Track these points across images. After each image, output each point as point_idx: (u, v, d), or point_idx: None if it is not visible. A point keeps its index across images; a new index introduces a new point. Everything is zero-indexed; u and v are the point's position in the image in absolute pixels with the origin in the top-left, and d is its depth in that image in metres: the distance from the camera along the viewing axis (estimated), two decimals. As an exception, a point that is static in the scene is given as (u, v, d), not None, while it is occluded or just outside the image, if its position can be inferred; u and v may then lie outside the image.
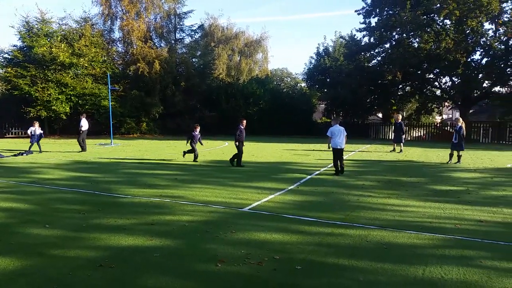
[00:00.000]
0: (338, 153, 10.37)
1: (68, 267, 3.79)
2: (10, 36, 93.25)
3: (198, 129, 13.69)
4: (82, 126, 16.90)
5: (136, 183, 8.68)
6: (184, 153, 13.69)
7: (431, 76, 30.97)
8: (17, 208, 6.20)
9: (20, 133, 29.89)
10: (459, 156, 13.33)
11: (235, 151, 12.29)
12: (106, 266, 3.83)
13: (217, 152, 16.85)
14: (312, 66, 39.76)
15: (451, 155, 13.50)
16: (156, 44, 35.05)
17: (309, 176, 10.02)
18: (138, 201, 6.85)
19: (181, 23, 36.62)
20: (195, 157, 13.34)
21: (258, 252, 4.29)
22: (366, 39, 31.63)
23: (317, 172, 10.79)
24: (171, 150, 17.71)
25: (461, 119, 13.91)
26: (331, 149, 10.49)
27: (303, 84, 45.45)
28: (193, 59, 36.78)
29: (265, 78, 39.03)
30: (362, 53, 32.71)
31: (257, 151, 16.99)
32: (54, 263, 3.90)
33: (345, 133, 10.45)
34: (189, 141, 13.43)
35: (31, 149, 15.70)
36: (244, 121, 12.79)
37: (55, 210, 6.12)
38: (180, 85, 34.28)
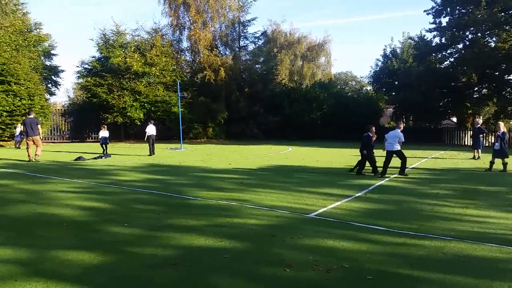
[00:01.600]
0: (385, 156, 10.93)
1: (145, 264, 4.03)
2: (90, 48, 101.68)
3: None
4: (147, 132, 18.02)
5: (204, 186, 9.00)
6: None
7: (511, 77, 28.44)
8: (98, 207, 6.73)
9: (98, 137, 32.45)
10: (504, 164, 12.04)
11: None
12: (180, 265, 4.02)
13: (281, 157, 16.91)
14: (378, 68, 38.47)
15: (492, 163, 12.26)
16: (221, 52, 36.22)
17: (378, 183, 9.67)
18: (207, 203, 7.09)
19: (244, 30, 37.54)
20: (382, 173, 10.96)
21: (326, 259, 4.23)
22: (436, 39, 29.96)
23: (387, 179, 10.38)
24: (236, 154, 18.12)
25: (502, 124, 12.64)
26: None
27: (369, 88, 44.16)
28: (257, 65, 37.46)
29: (329, 82, 38.55)
30: (433, 54, 30.97)
31: (322, 157, 16.77)
32: (133, 260, 4.17)
33: (397, 138, 10.75)
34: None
35: (107, 152, 17.13)
36: (374, 128, 11.69)
37: (132, 210, 6.55)
38: (244, 91, 35.06)
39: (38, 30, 32.31)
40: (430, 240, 4.95)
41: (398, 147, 10.86)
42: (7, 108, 24.33)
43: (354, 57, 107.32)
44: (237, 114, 34.16)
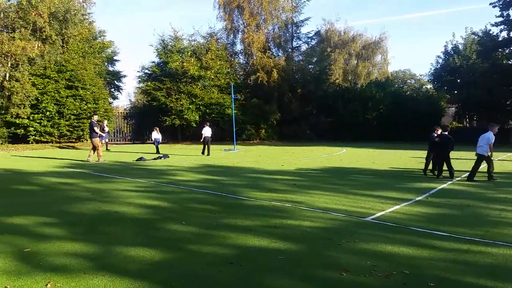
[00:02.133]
0: (476, 159, 10.30)
1: (203, 262, 4.14)
2: (150, 54, 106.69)
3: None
4: (203, 134, 18.62)
5: (257, 186, 9.08)
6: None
7: None
8: (158, 205, 7.03)
9: (151, 139, 33.80)
10: None
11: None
12: (235, 264, 4.08)
13: (335, 158, 16.60)
14: (439, 66, 36.46)
15: None
16: (274, 53, 36.30)
17: (439, 187, 9.17)
18: (260, 204, 7.14)
19: (298, 31, 37.33)
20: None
21: (384, 265, 4.08)
22: (504, 33, 27.79)
23: (450, 182, 9.82)
24: (288, 156, 18.08)
25: None
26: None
27: (429, 86, 41.99)
28: (309, 66, 37.10)
29: (385, 81, 37.21)
30: (500, 50, 28.76)
31: (379, 158, 16.23)
32: (191, 258, 4.30)
33: (485, 140, 10.07)
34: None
35: (159, 152, 18.03)
36: (439, 128, 11.25)
37: (189, 208, 6.77)
38: (297, 92, 34.87)
39: (102, 37, 34.46)
40: (497, 248, 4.61)
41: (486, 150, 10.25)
42: (75, 111, 26.25)
43: (413, 55, 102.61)
44: (290, 115, 34.06)
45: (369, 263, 4.12)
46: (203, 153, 18.32)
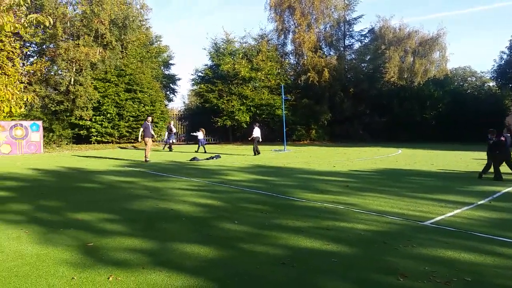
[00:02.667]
0: None
1: (255, 262, 4.18)
2: (203, 57, 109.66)
3: None
4: (253, 134, 18.89)
5: (308, 188, 8.99)
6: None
7: None
8: (211, 204, 7.20)
9: (210, 140, 34.70)
10: None
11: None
12: (287, 265, 4.08)
13: (390, 159, 16.01)
14: (503, 62, 33.89)
15: None
16: (325, 52, 35.81)
17: (504, 190, 8.54)
18: (312, 205, 7.07)
19: (350, 29, 36.56)
20: None
21: (444, 271, 3.88)
22: None
23: (516, 186, 9.10)
24: (340, 157, 17.73)
25: None
26: None
27: (491, 84, 39.23)
28: (362, 64, 36.14)
29: (444, 78, 35.31)
30: None
31: (437, 160, 15.43)
32: (244, 257, 4.36)
33: None
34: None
35: (199, 151, 18.65)
36: (493, 131, 10.72)
37: (241, 208, 6.86)
38: (349, 91, 34.13)
39: (158, 42, 36.01)
40: None
41: None
42: (133, 113, 27.67)
43: (473, 51, 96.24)
44: (341, 115, 33.40)
45: (428, 268, 3.93)
46: (257, 153, 18.47)
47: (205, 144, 20.19)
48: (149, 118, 16.69)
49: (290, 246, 4.70)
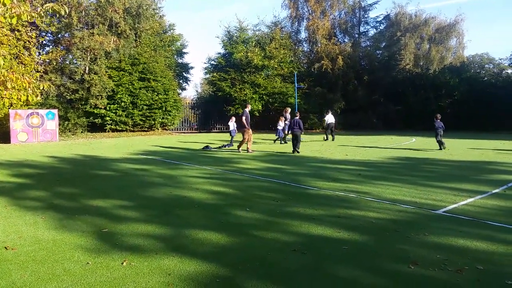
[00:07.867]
0: None
1: (267, 248, 4.24)
2: (215, 45, 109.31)
3: None
4: (327, 120, 20.74)
5: (321, 176, 8.99)
6: None
7: None
8: (224, 192, 7.27)
9: (222, 128, 34.77)
10: None
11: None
12: (299, 252, 4.12)
13: (404, 148, 15.84)
14: (524, 48, 32.97)
15: None
16: (339, 40, 35.33)
17: (521, 179, 8.39)
18: (324, 193, 7.08)
19: (365, 15, 35.99)
20: None
21: (456, 259, 3.87)
22: None
23: (533, 175, 8.93)
24: (353, 145, 17.61)
25: None
26: None
27: (510, 71, 38.22)
28: (377, 51, 35.57)
29: (461, 66, 34.54)
30: None
31: (452, 148, 15.21)
32: (255, 243, 4.42)
33: None
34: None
35: (232, 143, 18.08)
36: None
37: (253, 196, 6.91)
38: (363, 79, 33.69)
39: (171, 31, 35.99)
40: None
41: None
42: (147, 102, 27.88)
43: (491, 37, 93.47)
44: (355, 103, 33.03)
45: (440, 257, 3.93)
46: (327, 139, 20.01)
47: (234, 134, 18.46)
48: (249, 106, 15.66)
49: (301, 234, 4.73)
